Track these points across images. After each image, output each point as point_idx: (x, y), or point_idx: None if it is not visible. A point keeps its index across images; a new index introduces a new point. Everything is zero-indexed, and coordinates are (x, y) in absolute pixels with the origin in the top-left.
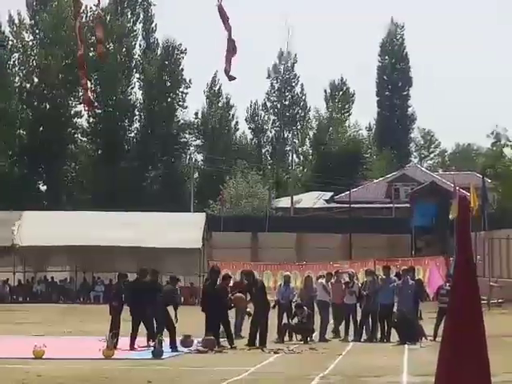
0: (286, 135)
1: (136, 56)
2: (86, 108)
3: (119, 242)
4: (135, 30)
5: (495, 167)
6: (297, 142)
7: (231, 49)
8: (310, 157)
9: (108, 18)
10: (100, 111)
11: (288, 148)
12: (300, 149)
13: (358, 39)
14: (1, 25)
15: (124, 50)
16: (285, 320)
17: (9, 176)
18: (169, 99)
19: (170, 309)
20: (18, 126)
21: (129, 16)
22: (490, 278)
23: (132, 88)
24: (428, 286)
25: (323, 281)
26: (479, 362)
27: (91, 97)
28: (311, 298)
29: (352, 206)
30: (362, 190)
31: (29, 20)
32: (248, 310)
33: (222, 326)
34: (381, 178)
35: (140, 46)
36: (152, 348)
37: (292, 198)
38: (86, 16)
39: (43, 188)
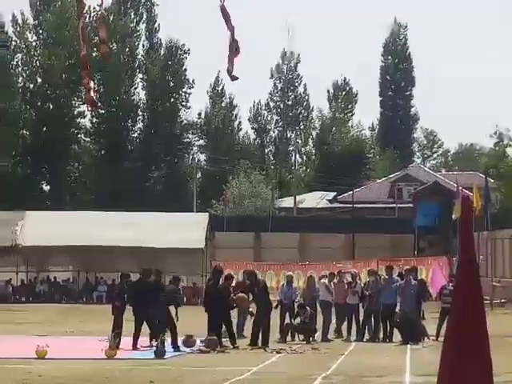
0: (289, 135)
1: (139, 56)
2: (90, 108)
3: (123, 242)
4: (138, 30)
5: (498, 167)
6: (300, 141)
7: (234, 49)
8: (313, 157)
9: (111, 18)
10: (103, 111)
11: (291, 148)
12: (303, 149)
13: (360, 39)
14: (4, 25)
15: (127, 50)
16: (287, 320)
17: (12, 176)
18: (172, 99)
19: (172, 308)
20: (22, 126)
21: (132, 16)
22: (493, 278)
23: (135, 88)
24: (431, 285)
25: (326, 281)
26: (482, 362)
27: (94, 97)
28: (314, 297)
29: (355, 206)
30: (364, 190)
31: (32, 20)
32: (250, 309)
33: (224, 326)
34: (384, 178)
35: (143, 46)
36: (154, 348)
37: (295, 198)
38: (90, 16)
39: (46, 188)
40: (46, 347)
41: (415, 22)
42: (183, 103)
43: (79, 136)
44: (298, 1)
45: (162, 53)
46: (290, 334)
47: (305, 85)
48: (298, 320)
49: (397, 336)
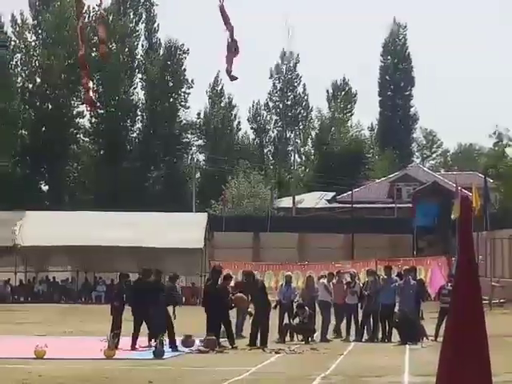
0: (288, 135)
1: (138, 56)
2: (89, 108)
3: (121, 242)
4: (138, 31)
5: (497, 167)
6: (299, 142)
7: (233, 49)
8: (312, 157)
9: (110, 18)
10: (102, 111)
11: (290, 148)
12: (302, 149)
13: (360, 39)
14: (3, 25)
15: (126, 50)
16: (286, 320)
17: (11, 176)
18: (171, 99)
19: (169, 307)
20: (21, 126)
21: (131, 16)
22: (492, 278)
23: (134, 88)
24: (430, 286)
25: (325, 281)
26: (480, 362)
27: (93, 97)
28: (313, 298)
29: (354, 206)
30: (364, 190)
31: (31, 20)
32: (249, 310)
33: (223, 326)
34: (383, 178)
35: (142, 46)
36: (153, 348)
37: (294, 198)
38: (89, 16)
39: (45, 188)
40: (45, 347)
41: (415, 22)
42: (182, 103)
43: (78, 136)
44: (297, 1)
45: (161, 53)
46: (288, 334)
47: (304, 85)
48: (296, 320)
49: (395, 336)
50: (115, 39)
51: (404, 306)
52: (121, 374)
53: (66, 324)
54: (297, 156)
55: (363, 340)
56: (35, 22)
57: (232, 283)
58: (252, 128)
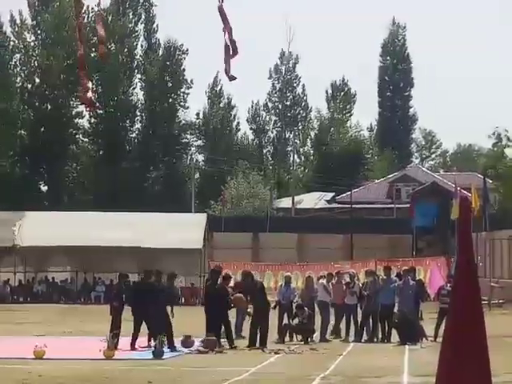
0: (287, 136)
1: (137, 56)
2: (88, 108)
3: (120, 242)
4: (137, 31)
5: (496, 168)
6: (298, 142)
7: (231, 49)
8: (312, 157)
9: (110, 19)
10: (101, 112)
11: (289, 148)
12: (301, 149)
13: (359, 40)
14: (2, 25)
15: (126, 50)
16: (285, 320)
17: (10, 176)
18: (170, 100)
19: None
20: (20, 126)
21: (130, 16)
22: (491, 278)
23: (133, 88)
24: (429, 286)
25: (324, 281)
26: (480, 363)
27: (92, 97)
28: (312, 298)
29: (353, 206)
30: (363, 191)
31: (30, 20)
32: (249, 310)
33: (222, 327)
34: (382, 179)
35: (142, 46)
36: (153, 348)
37: (293, 199)
38: (88, 16)
39: (44, 188)
40: (45, 347)
41: (414, 23)
42: (181, 103)
43: (77, 136)
44: (297, 1)
45: (161, 53)
46: (288, 334)
47: (303, 85)
48: (296, 320)
49: (395, 336)
50: (114, 39)
51: (403, 306)
52: (120, 374)
53: (65, 324)
54: (296, 156)
55: (362, 340)
56: (34, 22)
57: (231, 283)
58: (251, 128)
